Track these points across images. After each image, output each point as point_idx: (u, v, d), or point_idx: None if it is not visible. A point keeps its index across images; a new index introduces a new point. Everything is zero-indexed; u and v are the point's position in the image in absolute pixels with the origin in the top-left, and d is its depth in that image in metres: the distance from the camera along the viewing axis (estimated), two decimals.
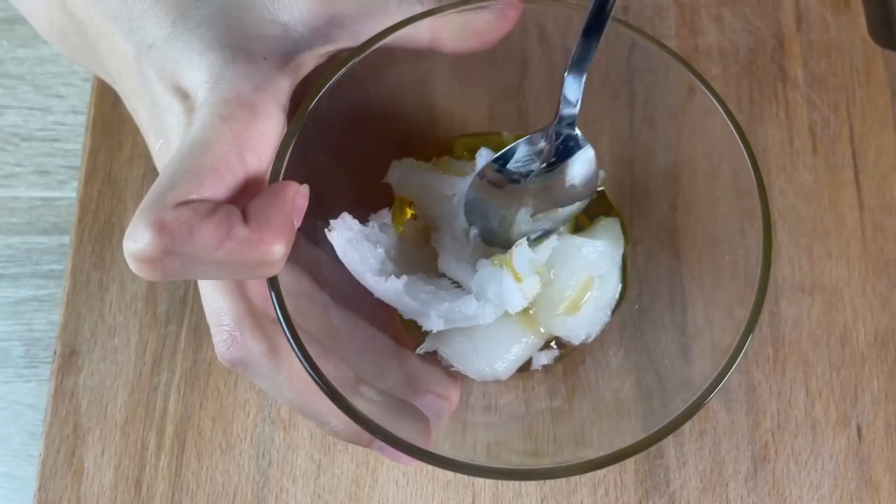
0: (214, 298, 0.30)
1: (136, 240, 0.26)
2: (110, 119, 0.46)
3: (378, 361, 0.35)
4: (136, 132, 0.46)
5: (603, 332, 0.38)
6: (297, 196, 0.28)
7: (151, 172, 0.45)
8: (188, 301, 0.43)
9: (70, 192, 0.48)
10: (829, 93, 0.47)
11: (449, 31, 0.33)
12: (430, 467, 0.40)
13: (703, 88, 0.33)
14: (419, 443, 0.30)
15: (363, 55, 0.32)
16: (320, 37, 0.32)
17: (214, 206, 0.26)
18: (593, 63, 0.34)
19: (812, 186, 0.45)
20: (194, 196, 0.26)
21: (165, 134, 0.30)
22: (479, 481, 0.40)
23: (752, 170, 0.32)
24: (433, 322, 0.34)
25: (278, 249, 0.27)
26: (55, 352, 0.42)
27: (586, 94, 0.35)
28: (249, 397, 0.42)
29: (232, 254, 0.26)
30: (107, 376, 0.42)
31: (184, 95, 0.30)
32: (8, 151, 0.49)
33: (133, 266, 0.26)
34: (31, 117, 0.50)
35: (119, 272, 0.44)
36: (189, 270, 0.27)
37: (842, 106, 0.47)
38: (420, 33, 0.33)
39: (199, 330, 0.43)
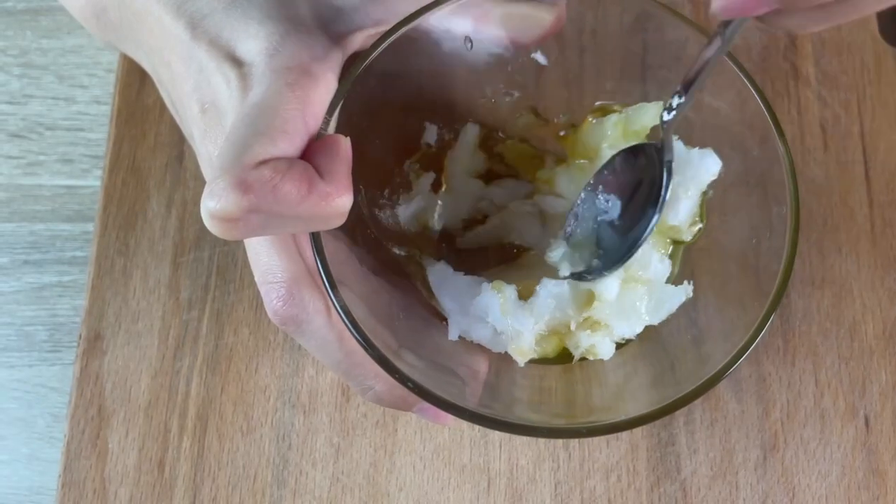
0: (270, 257, 0.31)
1: (219, 200, 0.26)
2: (134, 109, 0.47)
3: (415, 330, 0.36)
4: (159, 122, 0.47)
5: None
6: (349, 148, 0.30)
7: (175, 161, 0.46)
8: (210, 287, 0.44)
9: (93, 180, 0.49)
10: (839, 90, 0.48)
11: (495, 18, 0.34)
12: (447, 452, 0.41)
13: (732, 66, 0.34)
14: (461, 403, 0.31)
15: (412, 24, 0.33)
16: (370, 20, 0.33)
17: (291, 163, 0.27)
18: (600, 40, 0.36)
19: (823, 182, 0.46)
20: (269, 156, 0.27)
21: (213, 98, 0.31)
22: (494, 466, 0.41)
23: (777, 136, 0.33)
24: (451, 332, 0.36)
25: (349, 200, 0.29)
26: (80, 336, 0.43)
27: (592, 70, 0.36)
28: (270, 382, 0.42)
29: (312, 207, 0.27)
30: (131, 360, 0.43)
31: (238, 62, 0.31)
32: (32, 140, 0.50)
33: (212, 225, 0.27)
34: (54, 107, 0.51)
35: (143, 259, 0.45)
36: (268, 226, 0.28)
37: (852, 103, 0.47)
38: (465, 16, 0.34)
39: (221, 316, 0.44)
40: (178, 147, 0.46)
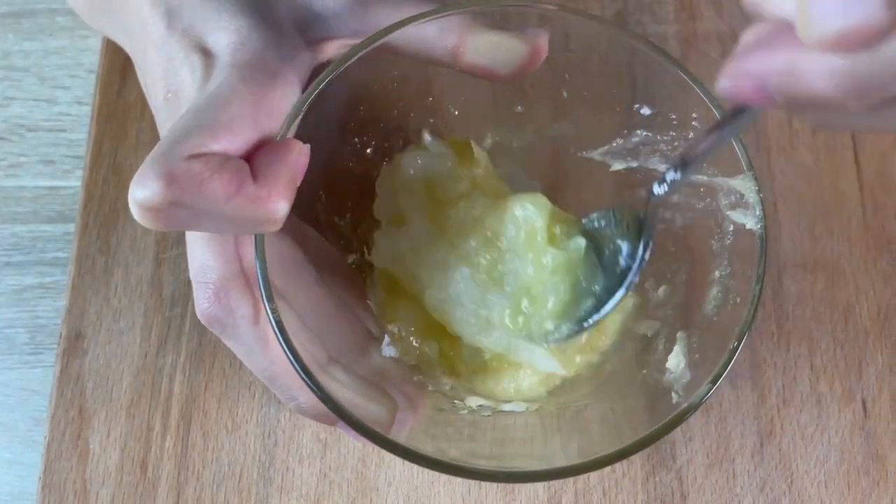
0: (205, 255, 0.30)
1: (144, 188, 0.26)
2: (115, 107, 0.47)
3: (354, 348, 0.35)
4: (140, 119, 0.46)
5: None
6: (301, 155, 0.29)
7: None
8: None
9: (75, 181, 0.49)
10: None
11: (476, 44, 0.32)
12: None
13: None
14: (381, 429, 0.30)
15: (387, 38, 0.32)
16: (347, 29, 0.33)
17: (225, 160, 0.27)
18: (589, 76, 0.35)
19: (812, 166, 0.45)
20: (206, 150, 0.27)
21: (177, 88, 0.30)
22: None
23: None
24: (385, 349, 0.36)
25: (283, 207, 0.28)
26: (61, 335, 0.42)
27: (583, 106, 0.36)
28: (255, 378, 0.41)
29: (239, 209, 0.27)
30: (112, 359, 0.42)
31: (206, 53, 0.30)
32: (13, 142, 0.50)
33: (137, 214, 0.26)
34: (36, 108, 0.50)
35: (124, 257, 0.44)
36: (193, 222, 0.27)
37: None
38: (446, 37, 0.33)
39: None
40: None
